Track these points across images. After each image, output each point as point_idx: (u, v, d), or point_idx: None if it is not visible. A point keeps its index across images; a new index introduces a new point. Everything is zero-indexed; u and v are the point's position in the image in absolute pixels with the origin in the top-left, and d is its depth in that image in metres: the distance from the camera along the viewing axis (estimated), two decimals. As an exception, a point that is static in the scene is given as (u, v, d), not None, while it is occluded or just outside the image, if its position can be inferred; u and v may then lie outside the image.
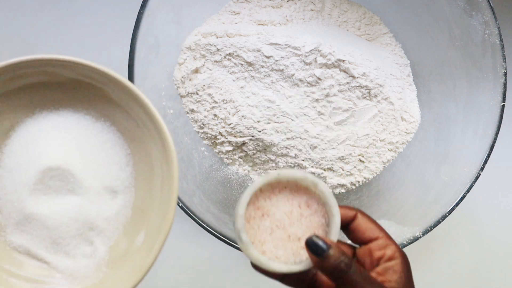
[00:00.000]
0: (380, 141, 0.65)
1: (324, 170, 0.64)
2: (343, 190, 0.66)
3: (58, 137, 0.47)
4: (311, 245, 0.42)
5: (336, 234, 0.43)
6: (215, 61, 0.63)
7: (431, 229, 0.58)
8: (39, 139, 0.47)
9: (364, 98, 0.63)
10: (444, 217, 0.58)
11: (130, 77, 0.56)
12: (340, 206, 0.45)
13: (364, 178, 0.65)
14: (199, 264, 0.72)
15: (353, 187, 0.66)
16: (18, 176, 0.46)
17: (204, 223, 0.58)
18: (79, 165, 0.47)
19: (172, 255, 0.71)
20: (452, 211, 0.57)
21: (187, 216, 0.57)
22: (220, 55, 0.62)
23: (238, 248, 0.57)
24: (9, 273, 0.46)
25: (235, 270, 0.73)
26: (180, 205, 0.57)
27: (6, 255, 0.47)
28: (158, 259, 0.70)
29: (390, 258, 0.44)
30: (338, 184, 0.65)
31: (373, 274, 0.44)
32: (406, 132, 0.66)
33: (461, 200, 0.58)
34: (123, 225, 0.48)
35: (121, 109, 0.48)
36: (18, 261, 0.47)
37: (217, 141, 0.64)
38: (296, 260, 0.44)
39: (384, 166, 0.66)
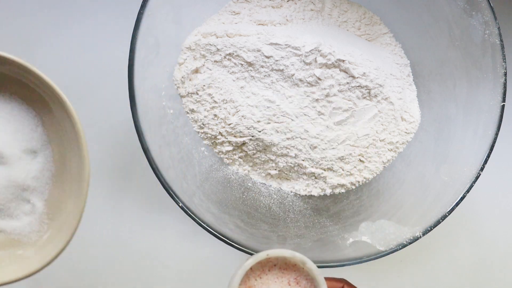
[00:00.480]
0: (380, 141, 0.65)
1: (324, 170, 0.64)
2: (343, 190, 0.66)
3: None
4: None
5: None
6: (215, 61, 0.62)
7: (431, 229, 0.57)
8: None
9: (364, 98, 0.63)
10: (444, 217, 0.58)
11: (130, 77, 0.56)
12: (328, 279, 0.50)
13: (364, 178, 0.65)
14: (199, 264, 0.72)
15: (353, 187, 0.66)
16: None
17: (204, 223, 0.58)
18: (0, 138, 0.52)
19: (172, 255, 0.72)
20: (452, 211, 0.57)
21: (187, 216, 0.57)
22: (220, 55, 0.62)
23: (238, 248, 0.57)
24: None
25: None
26: (180, 205, 0.57)
27: None
28: (158, 259, 0.71)
29: None
30: (338, 184, 0.65)
31: None
32: (406, 132, 0.66)
33: (461, 200, 0.58)
34: (50, 179, 0.54)
35: (15, 79, 0.53)
36: None
37: (217, 141, 0.64)
38: None
39: (384, 166, 0.66)
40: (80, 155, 0.51)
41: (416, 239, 0.58)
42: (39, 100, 0.53)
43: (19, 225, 0.53)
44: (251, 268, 0.47)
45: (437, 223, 0.58)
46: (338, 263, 0.57)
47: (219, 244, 0.58)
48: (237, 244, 0.58)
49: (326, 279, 0.51)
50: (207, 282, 0.72)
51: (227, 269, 0.72)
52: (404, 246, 0.58)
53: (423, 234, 0.58)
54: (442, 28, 0.65)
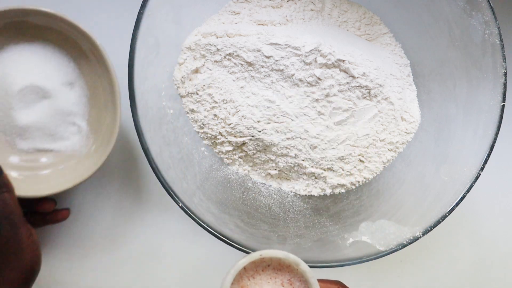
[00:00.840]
0: (380, 141, 0.65)
1: (324, 170, 0.64)
2: (343, 190, 0.66)
3: (24, 62, 0.66)
4: None
5: None
6: (215, 61, 0.62)
7: (431, 229, 0.57)
8: (10, 65, 0.65)
9: (364, 98, 0.63)
10: (444, 217, 0.58)
11: (130, 77, 0.56)
12: (323, 281, 0.50)
13: (364, 178, 0.65)
14: (199, 264, 0.72)
15: (353, 187, 0.66)
16: (3, 100, 0.64)
17: (204, 223, 0.58)
18: (41, 77, 0.65)
19: (172, 255, 0.72)
20: (452, 211, 0.57)
21: (187, 216, 0.57)
22: (220, 55, 0.62)
23: (238, 248, 0.57)
24: (36, 169, 0.67)
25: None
26: (180, 205, 0.57)
27: (27, 157, 0.67)
28: (158, 259, 0.71)
29: None
30: (338, 184, 0.65)
31: None
32: (406, 132, 0.66)
33: (461, 200, 0.58)
34: (88, 102, 0.67)
35: (48, 27, 0.66)
36: (34, 158, 0.67)
37: (217, 141, 0.64)
38: None
39: (384, 166, 0.66)
40: (109, 78, 0.62)
41: (416, 239, 0.58)
42: (70, 42, 0.66)
43: (70, 143, 0.67)
44: (244, 268, 0.47)
45: (437, 223, 0.58)
46: (338, 263, 0.57)
47: (219, 244, 0.59)
48: (237, 244, 0.58)
49: (322, 281, 0.51)
50: (207, 282, 0.72)
51: (227, 269, 0.72)
52: (404, 246, 0.58)
53: (423, 234, 0.58)
54: (442, 28, 0.65)
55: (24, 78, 0.65)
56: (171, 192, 0.57)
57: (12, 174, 0.66)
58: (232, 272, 0.46)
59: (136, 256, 0.71)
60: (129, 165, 0.71)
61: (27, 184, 0.65)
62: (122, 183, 0.71)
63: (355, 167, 0.65)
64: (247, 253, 0.57)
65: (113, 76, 0.62)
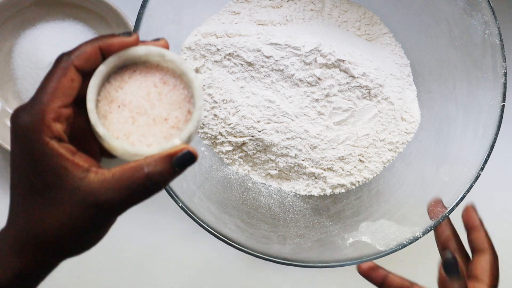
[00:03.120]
0: (380, 141, 0.65)
1: (324, 170, 0.64)
2: (343, 190, 0.66)
3: (54, 38, 0.68)
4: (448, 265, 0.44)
5: (200, 97, 0.38)
6: (215, 61, 0.62)
7: (431, 229, 0.57)
8: (42, 40, 0.68)
9: (364, 98, 0.63)
10: (444, 217, 0.57)
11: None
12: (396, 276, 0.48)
13: (364, 178, 0.65)
14: (199, 264, 0.72)
15: (353, 187, 0.66)
16: (33, 73, 0.67)
17: (204, 223, 0.57)
18: None
19: (172, 255, 0.72)
20: (452, 211, 0.57)
21: (187, 216, 0.57)
22: (220, 55, 0.62)
23: (238, 248, 0.57)
24: None
25: (235, 270, 0.73)
26: (180, 205, 0.57)
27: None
28: (158, 258, 0.70)
29: None
30: (338, 184, 0.65)
31: None
32: (406, 132, 0.66)
33: (461, 200, 0.58)
34: None
35: (75, 5, 0.70)
36: None
37: (217, 141, 0.64)
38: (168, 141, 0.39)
39: (384, 166, 0.66)
40: None
41: (416, 239, 0.58)
42: (98, 19, 0.70)
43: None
44: (109, 82, 0.39)
45: (437, 223, 0.57)
46: (338, 263, 0.57)
47: (219, 244, 0.58)
48: (236, 244, 0.57)
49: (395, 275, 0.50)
50: (207, 282, 0.72)
51: (227, 269, 0.72)
52: (404, 246, 0.58)
53: (423, 234, 0.57)
54: (442, 28, 0.65)
55: (54, 53, 0.65)
56: (171, 192, 0.56)
57: None
58: (92, 83, 0.37)
59: (136, 256, 0.71)
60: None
61: None
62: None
63: (355, 167, 0.65)
64: (247, 253, 0.57)
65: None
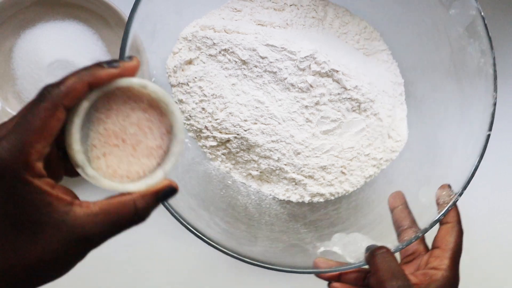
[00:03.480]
0: (365, 155, 0.65)
1: (305, 177, 0.64)
2: (321, 200, 0.65)
3: (54, 38, 0.69)
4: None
5: (182, 131, 0.39)
6: (209, 54, 0.63)
7: (402, 248, 0.57)
8: (42, 40, 0.69)
9: (353, 111, 0.64)
10: (416, 238, 0.57)
11: (121, 58, 0.55)
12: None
13: (344, 190, 0.65)
14: (184, 259, 0.72)
15: (332, 197, 0.66)
16: (33, 73, 0.67)
17: (185, 221, 0.57)
18: (70, 53, 0.68)
19: (159, 252, 0.71)
20: (425, 232, 0.57)
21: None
22: (216, 49, 0.62)
23: (221, 250, 0.57)
24: None
25: (218, 268, 0.72)
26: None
27: None
28: (145, 255, 0.70)
29: None
30: (317, 193, 0.65)
31: None
32: (391, 150, 0.66)
33: (435, 223, 0.58)
34: None
35: (77, 5, 0.70)
36: None
37: (202, 135, 0.64)
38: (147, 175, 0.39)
39: (365, 181, 0.66)
40: (144, 62, 0.61)
41: None
42: (98, 19, 0.70)
43: None
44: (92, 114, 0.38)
45: (409, 242, 0.57)
46: (305, 270, 0.56)
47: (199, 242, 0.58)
48: (214, 243, 0.57)
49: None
50: (185, 277, 0.72)
51: (209, 266, 0.72)
52: (373, 261, 0.57)
53: (394, 252, 0.57)
54: (440, 52, 0.65)
55: (54, 53, 0.68)
56: None
57: None
58: (76, 123, 0.36)
59: (116, 251, 0.71)
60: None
61: None
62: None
63: (336, 178, 0.65)
64: (225, 253, 0.56)
65: (140, 49, 0.60)
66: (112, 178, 0.39)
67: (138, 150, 0.39)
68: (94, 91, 0.37)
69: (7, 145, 0.34)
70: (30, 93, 0.70)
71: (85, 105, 0.37)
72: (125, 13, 0.67)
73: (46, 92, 0.35)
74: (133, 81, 0.38)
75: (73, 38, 0.70)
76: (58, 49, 0.69)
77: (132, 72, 0.38)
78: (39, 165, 0.35)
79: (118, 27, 0.70)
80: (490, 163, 0.69)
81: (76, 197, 0.37)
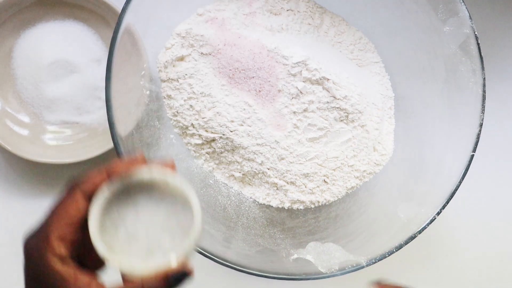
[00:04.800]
0: (348, 166, 0.65)
1: (287, 183, 0.64)
2: (301, 207, 0.65)
3: (55, 38, 0.69)
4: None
5: (200, 223, 0.40)
6: (202, 53, 0.62)
7: (376, 262, 0.57)
8: (42, 40, 0.69)
9: (341, 120, 0.63)
10: (391, 253, 0.57)
11: (111, 48, 0.55)
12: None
13: (325, 199, 0.65)
14: None
15: (312, 205, 0.65)
16: (33, 73, 0.68)
17: None
18: (70, 53, 0.69)
19: None
20: (400, 248, 0.57)
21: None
22: (208, 48, 0.62)
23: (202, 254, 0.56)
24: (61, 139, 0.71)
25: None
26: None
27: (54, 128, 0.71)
28: None
29: None
30: (297, 200, 0.64)
31: None
32: (375, 163, 0.66)
33: (411, 240, 0.57)
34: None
35: (76, 5, 0.70)
36: (60, 130, 0.72)
37: (187, 132, 0.64)
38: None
39: (347, 192, 0.66)
40: (138, 54, 0.61)
41: (360, 267, 0.57)
42: (98, 19, 0.70)
43: (96, 117, 0.71)
44: (116, 206, 0.41)
45: (383, 257, 0.57)
46: (276, 275, 0.56)
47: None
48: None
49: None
50: None
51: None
52: (346, 272, 0.57)
53: (367, 265, 0.57)
54: (433, 69, 0.65)
55: (54, 53, 0.68)
56: None
57: None
58: (94, 211, 0.40)
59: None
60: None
61: (53, 152, 0.69)
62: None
63: (318, 186, 0.64)
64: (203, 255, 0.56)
65: (141, 49, 0.60)
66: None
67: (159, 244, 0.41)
68: (115, 181, 0.40)
69: (35, 231, 0.40)
70: (30, 93, 0.70)
71: (105, 193, 0.40)
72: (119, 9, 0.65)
73: (70, 186, 0.40)
74: (155, 175, 0.41)
75: (73, 38, 0.70)
76: (58, 49, 0.69)
77: (141, 161, 0.41)
78: (61, 249, 0.39)
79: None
80: (490, 163, 0.70)
81: (96, 283, 0.40)
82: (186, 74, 0.62)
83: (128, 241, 0.41)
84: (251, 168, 0.63)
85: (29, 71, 0.69)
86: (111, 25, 0.70)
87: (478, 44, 0.59)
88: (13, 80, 0.71)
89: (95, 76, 0.69)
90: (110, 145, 0.68)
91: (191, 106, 0.63)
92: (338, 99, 0.62)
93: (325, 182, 0.65)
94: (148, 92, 0.63)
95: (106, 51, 0.70)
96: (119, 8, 0.66)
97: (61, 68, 0.69)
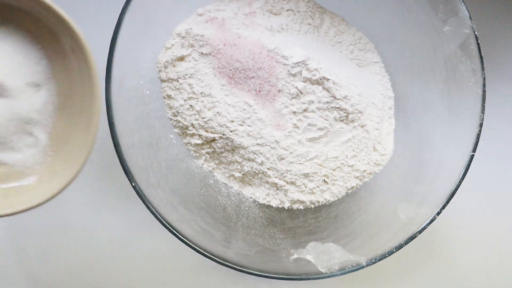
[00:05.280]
0: (348, 166, 0.65)
1: (287, 183, 0.64)
2: (301, 207, 0.65)
3: None
4: None
5: None
6: (202, 53, 0.62)
7: (376, 262, 0.57)
8: None
9: (341, 120, 0.63)
10: (391, 253, 0.57)
11: (112, 47, 0.55)
12: None
13: (325, 199, 0.65)
14: (157, 258, 0.72)
15: (312, 206, 0.65)
16: None
17: (160, 215, 0.57)
18: (1, 71, 0.51)
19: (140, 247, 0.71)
20: (400, 248, 0.57)
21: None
22: (208, 48, 0.62)
23: (192, 247, 0.56)
24: None
25: (192, 268, 0.72)
26: (136, 188, 0.56)
27: None
28: (117, 251, 0.70)
29: None
30: (297, 200, 0.64)
31: None
32: (375, 163, 0.66)
33: (411, 240, 0.57)
34: (54, 112, 0.54)
35: (21, 10, 0.52)
36: None
37: (187, 132, 0.64)
38: None
39: (347, 192, 0.66)
40: (90, 86, 0.52)
41: (360, 267, 0.58)
42: (46, 32, 0.53)
43: (22, 158, 0.53)
44: None
45: (383, 256, 0.57)
46: (276, 275, 0.56)
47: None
48: (186, 239, 0.57)
49: None
50: (164, 278, 0.72)
51: (183, 264, 0.71)
52: (346, 272, 0.57)
53: (367, 265, 0.57)
54: (433, 69, 0.65)
55: None
56: (138, 188, 0.56)
57: None
58: None
59: (101, 251, 0.71)
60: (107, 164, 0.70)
61: None
62: (96, 178, 0.70)
63: (318, 186, 0.64)
64: (198, 252, 0.56)
65: (95, 83, 0.51)
66: None
67: None
68: None
69: None
70: None
71: None
72: (84, 35, 0.51)
73: None
74: None
75: (9, 52, 0.53)
76: None
77: None
78: None
79: (70, 47, 0.53)
80: (490, 163, 0.70)
81: None
82: (186, 74, 0.62)
83: None
84: (251, 168, 0.64)
85: None
86: (62, 43, 0.53)
87: (478, 44, 0.59)
88: None
89: (31, 105, 0.53)
90: (36, 201, 0.52)
91: (191, 106, 0.63)
92: (338, 99, 0.62)
93: (325, 182, 0.65)
94: (148, 92, 0.63)
95: (50, 74, 0.55)
96: (77, 29, 0.51)
97: None
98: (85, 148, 0.52)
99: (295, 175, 0.63)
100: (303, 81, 0.62)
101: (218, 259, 0.56)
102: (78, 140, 0.53)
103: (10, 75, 0.52)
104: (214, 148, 0.64)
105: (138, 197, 0.57)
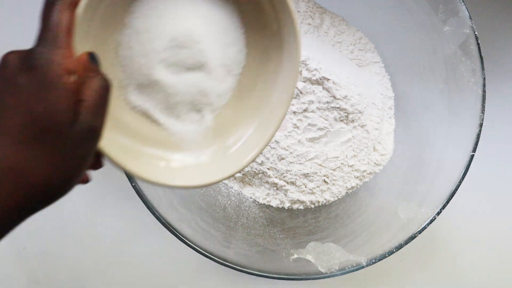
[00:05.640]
0: (348, 166, 0.65)
1: (287, 183, 0.64)
2: (301, 207, 0.65)
3: (187, 8, 0.46)
4: None
5: None
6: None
7: (376, 262, 0.57)
8: (169, 6, 0.46)
9: (341, 120, 0.63)
10: (391, 253, 0.57)
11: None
12: None
13: (325, 199, 0.65)
14: (158, 259, 0.71)
15: (312, 206, 0.65)
16: (147, 41, 0.46)
17: (166, 221, 0.57)
18: (205, 39, 0.46)
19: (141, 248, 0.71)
20: (400, 248, 0.57)
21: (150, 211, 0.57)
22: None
23: (192, 248, 0.56)
24: (133, 134, 0.47)
25: (193, 268, 0.72)
26: (138, 189, 0.56)
27: (126, 113, 0.47)
28: (117, 251, 0.70)
29: None
30: (297, 200, 0.64)
31: None
32: (375, 163, 0.66)
33: (411, 240, 0.57)
34: (230, 100, 0.49)
35: None
36: (137, 120, 0.48)
37: (187, 132, 0.64)
38: None
39: (347, 192, 0.66)
40: (287, 91, 0.47)
41: (360, 267, 0.57)
42: (258, 23, 0.48)
43: (183, 130, 0.49)
44: None
45: (383, 256, 0.57)
46: (276, 275, 0.56)
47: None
48: (186, 239, 0.57)
49: None
50: (165, 279, 0.72)
51: (184, 265, 0.71)
52: (346, 272, 0.57)
53: (367, 265, 0.57)
54: (433, 69, 0.65)
55: (184, 27, 0.46)
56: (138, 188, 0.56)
57: None
58: None
59: (102, 251, 0.71)
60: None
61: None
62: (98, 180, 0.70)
63: (318, 186, 0.64)
64: (199, 252, 0.56)
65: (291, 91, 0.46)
66: None
67: None
68: None
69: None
70: (131, 79, 0.46)
71: None
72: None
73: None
74: None
75: (206, 7, 0.47)
76: (184, 20, 0.47)
77: None
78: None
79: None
80: (490, 163, 0.70)
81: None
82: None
83: None
84: (251, 168, 0.64)
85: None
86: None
87: (478, 44, 0.59)
88: None
89: (215, 87, 0.50)
90: (196, 181, 0.47)
91: (191, 106, 0.63)
92: (338, 99, 0.62)
93: (325, 182, 0.65)
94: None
95: (243, 63, 0.50)
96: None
97: (186, 49, 0.47)
98: (256, 148, 0.47)
99: (295, 175, 0.63)
100: (303, 81, 0.62)
101: (218, 259, 0.56)
102: (238, 136, 0.49)
103: (213, 49, 0.47)
104: (214, 148, 0.64)
105: (138, 197, 0.57)
